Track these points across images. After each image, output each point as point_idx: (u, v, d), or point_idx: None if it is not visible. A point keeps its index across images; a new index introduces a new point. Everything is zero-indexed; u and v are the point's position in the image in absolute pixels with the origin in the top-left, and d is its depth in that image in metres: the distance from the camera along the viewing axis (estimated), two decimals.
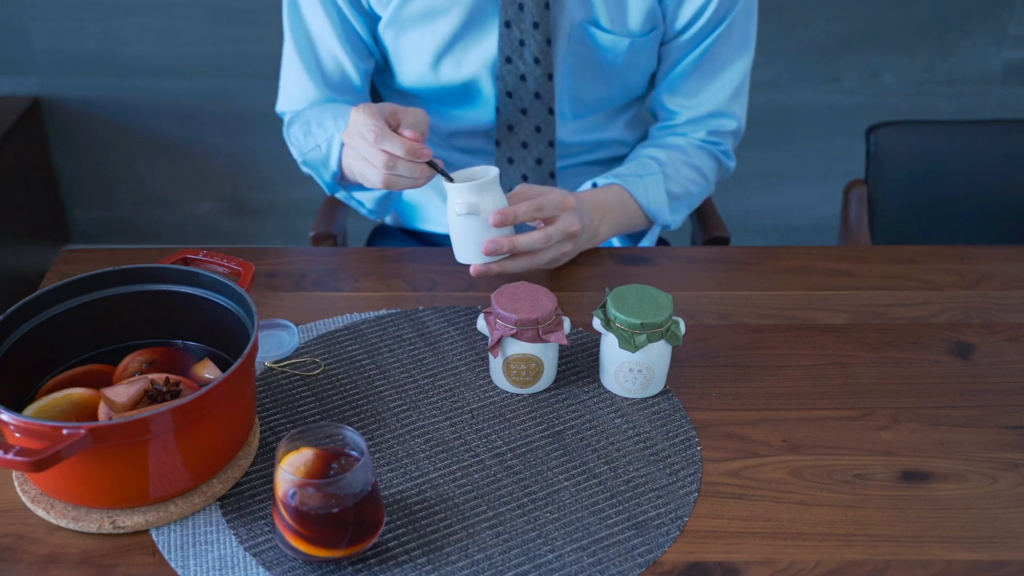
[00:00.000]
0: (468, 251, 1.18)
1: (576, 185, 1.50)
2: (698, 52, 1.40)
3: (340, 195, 1.43)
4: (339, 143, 1.32)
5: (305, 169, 1.41)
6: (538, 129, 1.42)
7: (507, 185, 1.45)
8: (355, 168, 1.22)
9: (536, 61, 1.36)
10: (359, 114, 1.14)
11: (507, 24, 1.34)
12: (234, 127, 2.59)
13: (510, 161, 1.45)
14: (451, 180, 1.16)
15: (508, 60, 1.36)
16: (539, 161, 1.45)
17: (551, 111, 1.41)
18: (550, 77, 1.38)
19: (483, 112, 1.44)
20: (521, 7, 1.32)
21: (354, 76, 1.42)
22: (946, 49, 2.51)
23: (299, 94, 1.43)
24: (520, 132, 1.42)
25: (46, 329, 1.00)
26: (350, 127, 1.17)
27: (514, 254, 1.18)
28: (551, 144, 1.43)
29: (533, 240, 1.18)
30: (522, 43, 1.34)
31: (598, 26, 1.36)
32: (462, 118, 1.46)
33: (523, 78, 1.38)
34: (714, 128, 1.45)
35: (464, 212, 1.15)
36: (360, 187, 1.40)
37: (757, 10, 1.41)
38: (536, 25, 1.33)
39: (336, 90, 1.42)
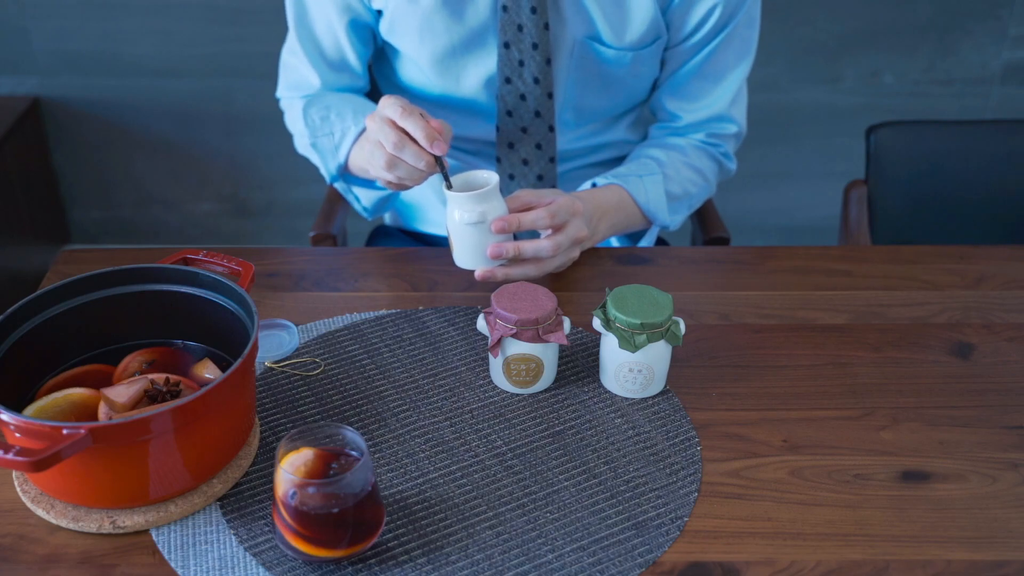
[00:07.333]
0: (470, 257, 1.17)
1: (577, 187, 1.50)
2: (700, 58, 1.39)
3: (339, 186, 1.48)
4: (352, 136, 1.36)
5: (311, 153, 1.44)
6: (539, 146, 1.41)
7: (506, 194, 1.45)
8: (364, 152, 1.23)
9: (536, 81, 1.35)
10: (391, 97, 1.16)
11: (506, 45, 1.33)
12: (234, 127, 2.59)
13: (511, 177, 1.45)
14: (451, 187, 1.15)
15: (508, 80, 1.36)
16: (540, 177, 1.44)
17: (551, 128, 1.40)
18: (550, 96, 1.37)
19: (484, 125, 1.44)
20: (520, 28, 1.31)
21: (354, 61, 1.43)
22: (946, 49, 2.51)
23: (301, 81, 1.45)
24: (521, 150, 1.42)
25: (46, 329, 1.00)
26: (377, 110, 1.18)
27: (520, 261, 1.17)
28: (552, 160, 1.43)
29: (540, 247, 1.17)
30: (521, 63, 1.34)
31: (601, 41, 1.35)
32: (463, 125, 1.45)
33: (523, 97, 1.37)
34: (714, 131, 1.45)
35: (469, 221, 1.14)
36: (361, 182, 1.44)
37: (760, 15, 1.40)
38: (535, 46, 1.32)
39: (335, 69, 1.44)
